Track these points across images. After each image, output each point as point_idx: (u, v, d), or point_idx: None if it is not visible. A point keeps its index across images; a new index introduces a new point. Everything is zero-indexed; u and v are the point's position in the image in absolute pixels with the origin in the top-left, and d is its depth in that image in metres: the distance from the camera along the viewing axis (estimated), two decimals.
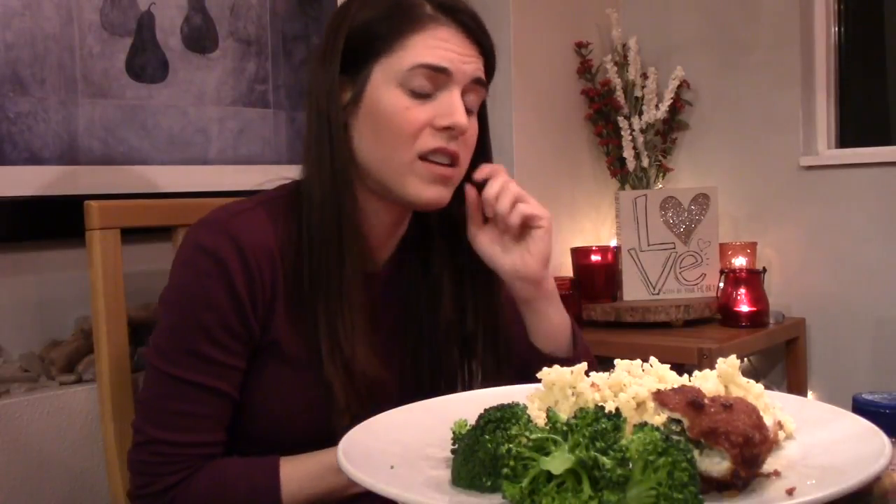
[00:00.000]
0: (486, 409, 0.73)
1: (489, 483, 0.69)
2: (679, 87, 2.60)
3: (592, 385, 0.78)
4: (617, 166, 2.66)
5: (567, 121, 2.64)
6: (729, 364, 0.81)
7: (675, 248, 2.42)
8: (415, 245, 1.19)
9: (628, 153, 2.60)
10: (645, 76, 2.62)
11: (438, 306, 1.17)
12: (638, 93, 2.61)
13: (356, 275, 1.06)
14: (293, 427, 1.08)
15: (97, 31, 1.70)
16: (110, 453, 1.28)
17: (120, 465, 1.27)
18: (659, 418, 0.71)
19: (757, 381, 0.81)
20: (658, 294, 2.43)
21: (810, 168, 2.53)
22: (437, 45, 1.04)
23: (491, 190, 1.12)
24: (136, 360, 1.46)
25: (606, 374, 0.81)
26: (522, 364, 1.15)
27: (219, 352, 1.02)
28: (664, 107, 2.58)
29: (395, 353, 1.17)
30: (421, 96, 1.05)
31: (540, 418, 0.75)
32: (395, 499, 0.66)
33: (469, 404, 0.81)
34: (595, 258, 2.48)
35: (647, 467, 0.61)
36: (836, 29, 2.61)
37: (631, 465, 0.62)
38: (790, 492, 0.65)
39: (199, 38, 1.87)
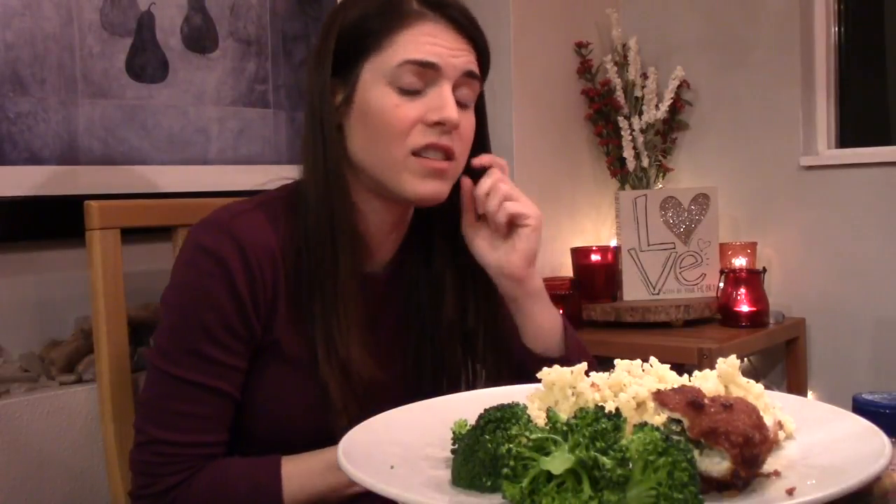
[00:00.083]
0: (486, 409, 0.73)
1: (489, 483, 0.69)
2: (679, 87, 2.60)
3: (592, 385, 0.78)
4: (617, 166, 2.66)
5: (567, 121, 2.64)
6: (729, 364, 0.81)
7: (675, 248, 2.42)
8: (416, 245, 1.19)
9: (628, 153, 2.59)
10: (645, 76, 2.62)
11: (441, 304, 1.17)
12: (638, 93, 2.61)
13: (351, 276, 1.06)
14: (294, 427, 1.08)
15: (97, 31, 1.70)
16: (110, 453, 1.28)
17: (120, 466, 1.27)
18: (659, 418, 0.71)
19: (757, 381, 0.81)
20: (658, 294, 2.43)
21: (810, 168, 2.53)
22: (423, 40, 1.04)
23: (482, 187, 1.13)
24: (136, 360, 1.46)
25: (606, 374, 0.81)
26: (517, 363, 1.15)
27: (220, 352, 1.02)
28: (664, 107, 2.58)
29: (397, 353, 1.17)
30: (411, 93, 1.05)
31: (540, 418, 0.75)
32: (395, 499, 0.66)
33: (469, 404, 0.81)
34: (595, 258, 2.48)
35: (647, 467, 0.61)
36: (836, 29, 2.61)
37: (631, 465, 0.62)
38: (790, 492, 0.65)
39: (199, 38, 1.87)
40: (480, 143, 1.15)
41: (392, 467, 0.73)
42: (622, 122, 2.59)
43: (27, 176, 1.60)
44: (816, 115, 2.59)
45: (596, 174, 2.74)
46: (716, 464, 0.67)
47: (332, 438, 0.87)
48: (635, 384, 0.78)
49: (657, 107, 2.58)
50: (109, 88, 1.72)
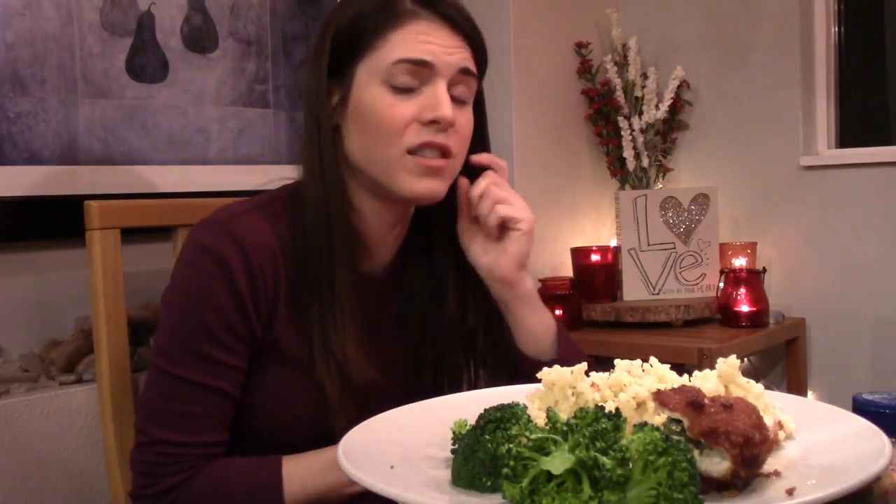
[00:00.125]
0: (486, 409, 0.73)
1: (489, 483, 0.69)
2: (679, 87, 2.60)
3: (592, 385, 0.78)
4: (617, 166, 2.66)
5: (567, 121, 2.64)
6: (729, 364, 0.81)
7: (675, 248, 2.42)
8: (417, 245, 1.19)
9: (628, 153, 2.60)
10: (645, 76, 2.62)
11: (442, 304, 1.17)
12: (638, 93, 2.61)
13: (347, 276, 1.06)
14: (294, 427, 1.08)
15: (97, 31, 1.70)
16: (110, 453, 1.28)
17: (120, 466, 1.27)
18: (659, 418, 0.71)
19: (757, 381, 0.81)
20: (658, 294, 2.43)
21: (810, 168, 2.53)
22: (416, 39, 1.04)
23: (475, 189, 1.12)
24: (136, 360, 1.46)
25: (606, 374, 0.81)
26: (513, 366, 1.15)
27: (221, 352, 1.02)
28: (664, 107, 2.58)
29: (397, 354, 1.17)
30: (405, 92, 1.04)
31: (540, 418, 0.75)
32: (395, 499, 0.66)
33: (469, 404, 0.81)
34: (595, 258, 2.49)
35: (647, 467, 0.61)
36: (836, 29, 2.61)
37: (631, 465, 0.62)
38: (790, 492, 0.65)
39: (199, 38, 1.87)
40: (480, 141, 1.15)
41: (392, 467, 0.73)
42: (622, 122, 2.59)
43: (27, 176, 1.60)
44: (816, 115, 2.59)
45: (596, 174, 2.74)
46: (716, 464, 0.67)
47: (332, 438, 0.87)
48: (635, 384, 0.78)
49: (657, 107, 2.58)
50: (109, 88, 1.72)
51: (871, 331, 2.46)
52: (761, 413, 0.71)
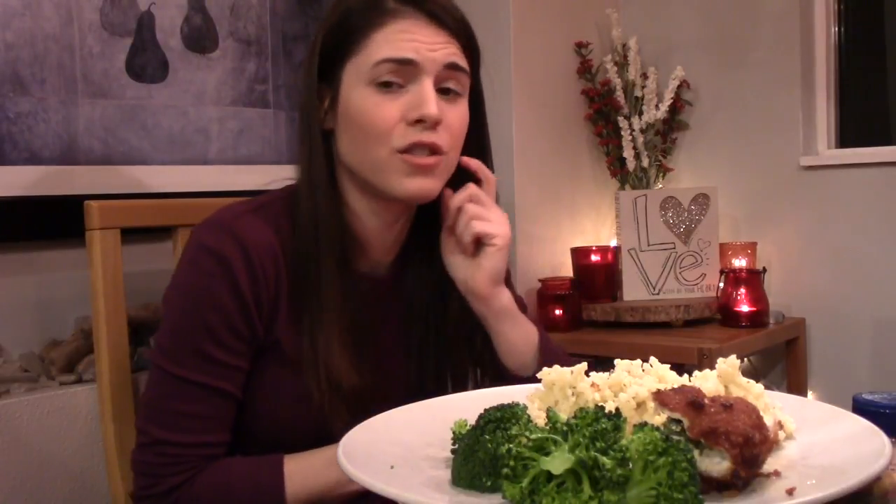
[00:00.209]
0: (486, 409, 0.73)
1: (489, 483, 0.69)
2: (679, 87, 2.60)
3: (592, 385, 0.78)
4: (617, 166, 2.66)
5: (567, 121, 2.64)
6: (729, 364, 0.81)
7: (675, 248, 2.42)
8: (420, 244, 1.19)
9: (628, 153, 2.59)
10: (645, 76, 2.62)
11: (446, 302, 1.16)
12: (638, 93, 2.61)
13: (332, 282, 1.06)
14: (295, 427, 1.08)
15: (97, 31, 1.70)
16: (110, 453, 1.28)
17: (120, 466, 1.27)
18: (659, 418, 0.71)
19: (757, 381, 0.81)
20: (658, 294, 2.43)
21: (810, 168, 2.53)
22: (399, 37, 1.03)
23: (452, 202, 1.12)
24: (136, 360, 1.46)
25: (606, 374, 0.81)
26: (500, 376, 1.15)
27: (223, 352, 1.02)
28: (664, 107, 2.58)
29: (400, 354, 1.17)
30: (391, 92, 1.04)
31: (540, 418, 0.75)
32: (394, 499, 0.66)
33: (469, 404, 0.81)
34: (595, 258, 2.48)
35: (647, 467, 0.61)
36: (836, 29, 2.61)
37: (631, 465, 0.62)
38: (790, 492, 0.65)
39: (199, 38, 1.87)
40: (477, 138, 1.15)
41: (392, 467, 0.73)
42: (622, 122, 2.59)
43: (27, 176, 1.60)
44: (816, 115, 2.59)
45: (596, 174, 2.74)
46: (716, 464, 0.67)
47: (333, 439, 0.87)
48: (635, 384, 0.78)
49: (657, 107, 2.58)
50: (109, 88, 1.72)
51: (871, 331, 2.46)
52: (761, 413, 0.71)
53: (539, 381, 0.80)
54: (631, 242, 2.43)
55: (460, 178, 1.13)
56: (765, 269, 2.41)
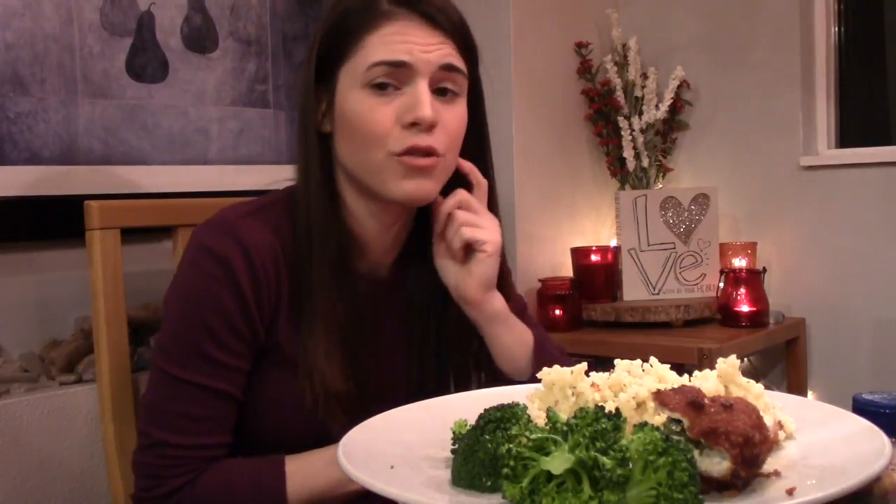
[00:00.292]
0: (486, 409, 0.73)
1: (489, 483, 0.69)
2: (679, 87, 2.60)
3: (592, 385, 0.78)
4: (617, 166, 2.66)
5: (567, 121, 2.64)
6: (729, 364, 0.81)
7: (675, 248, 2.42)
8: (420, 245, 1.19)
9: (628, 153, 2.59)
10: (645, 76, 2.62)
11: (447, 303, 1.16)
12: (638, 93, 2.61)
13: (323, 285, 1.05)
14: (295, 429, 1.08)
15: (97, 31, 1.70)
16: (110, 453, 1.28)
17: (120, 466, 1.27)
18: (659, 418, 0.71)
19: (757, 381, 0.81)
20: (658, 294, 2.43)
21: (810, 168, 2.53)
22: (393, 39, 1.03)
23: (443, 208, 1.11)
24: (136, 360, 1.46)
25: (606, 374, 0.81)
26: (496, 380, 1.15)
27: (224, 354, 1.02)
28: (664, 107, 2.58)
29: (401, 354, 1.17)
30: (386, 94, 1.03)
31: (540, 418, 0.75)
32: (394, 499, 0.66)
33: (469, 404, 0.81)
34: (595, 258, 2.48)
35: (647, 467, 0.61)
36: (836, 29, 2.61)
37: (631, 465, 0.62)
38: (790, 492, 0.65)
39: (199, 38, 1.87)
40: (477, 139, 1.14)
41: (392, 467, 0.73)
42: (622, 122, 2.59)
43: (27, 176, 1.60)
44: (816, 115, 2.59)
45: (596, 174, 2.74)
46: (716, 464, 0.67)
47: (333, 441, 0.87)
48: (635, 384, 0.78)
49: (657, 107, 2.58)
50: (109, 88, 1.72)
51: (871, 331, 2.46)
52: (761, 413, 0.71)
53: (539, 381, 0.81)
54: (631, 242, 2.43)
55: (453, 181, 1.12)
56: (765, 269, 2.41)
